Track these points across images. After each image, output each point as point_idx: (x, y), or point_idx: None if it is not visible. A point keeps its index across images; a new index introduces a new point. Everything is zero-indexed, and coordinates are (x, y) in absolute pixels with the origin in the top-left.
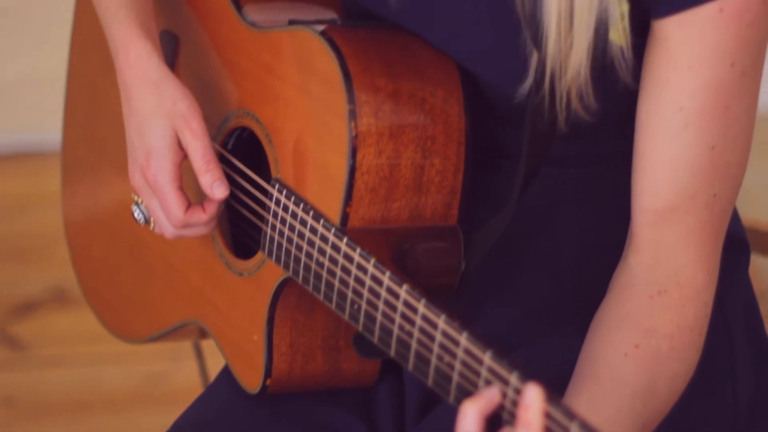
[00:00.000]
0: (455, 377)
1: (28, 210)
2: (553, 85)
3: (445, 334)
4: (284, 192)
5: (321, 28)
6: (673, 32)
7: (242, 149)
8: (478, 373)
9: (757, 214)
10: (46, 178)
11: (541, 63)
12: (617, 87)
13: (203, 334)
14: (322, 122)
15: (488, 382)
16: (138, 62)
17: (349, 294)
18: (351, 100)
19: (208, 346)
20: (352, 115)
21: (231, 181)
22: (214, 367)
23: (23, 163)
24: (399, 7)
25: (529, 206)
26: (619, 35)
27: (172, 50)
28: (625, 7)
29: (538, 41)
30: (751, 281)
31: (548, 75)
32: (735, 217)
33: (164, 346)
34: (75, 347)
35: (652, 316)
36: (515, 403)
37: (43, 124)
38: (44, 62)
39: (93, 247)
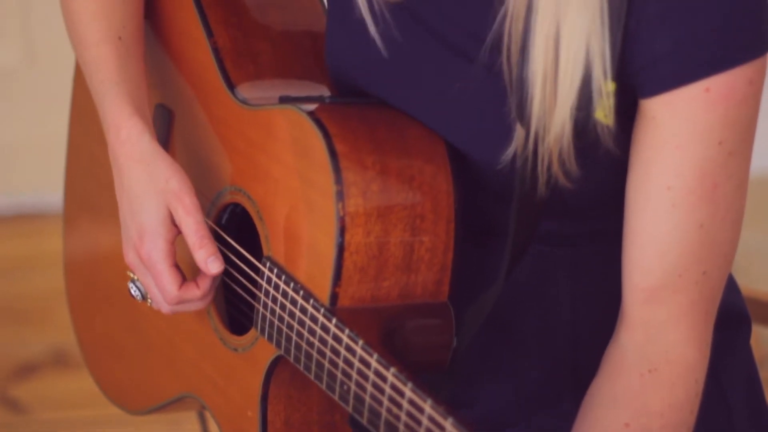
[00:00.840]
0: None
1: (27, 271)
2: (536, 147)
3: (431, 419)
4: (275, 270)
5: (309, 107)
6: (660, 112)
7: (235, 225)
8: None
9: (758, 283)
10: (45, 239)
11: (526, 126)
12: (599, 153)
13: (203, 406)
14: (310, 201)
15: None
16: (129, 140)
17: (339, 375)
18: (338, 180)
19: None
20: (340, 196)
21: (224, 258)
22: None
23: (22, 225)
24: (388, 86)
25: (520, 282)
26: (606, 114)
27: (167, 124)
28: (611, 87)
29: (523, 103)
30: (753, 351)
31: (532, 136)
32: (734, 289)
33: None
34: (75, 410)
35: (643, 394)
36: None
37: (42, 185)
38: (45, 125)
39: (94, 318)
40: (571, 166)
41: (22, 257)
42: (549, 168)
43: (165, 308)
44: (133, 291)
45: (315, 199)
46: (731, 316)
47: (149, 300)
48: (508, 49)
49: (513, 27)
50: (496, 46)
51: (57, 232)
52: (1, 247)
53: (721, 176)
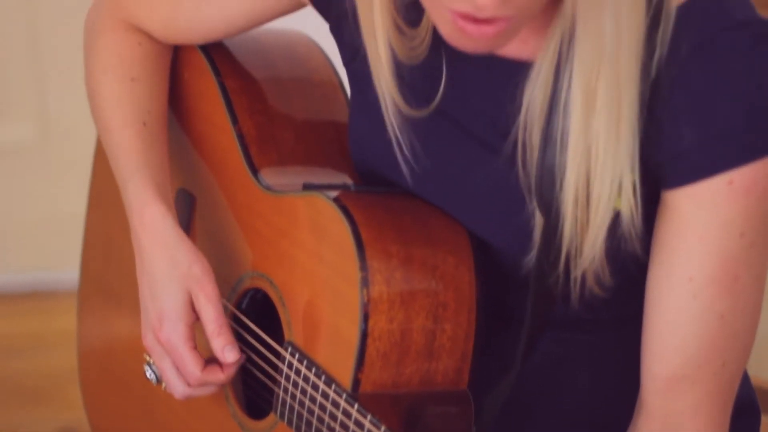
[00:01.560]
0: None
1: (39, 350)
2: (568, 267)
3: None
4: (296, 355)
5: (334, 194)
6: (683, 203)
7: (256, 309)
8: None
9: (766, 372)
10: (57, 318)
11: (555, 240)
12: (629, 261)
13: None
14: (334, 287)
15: None
16: (152, 224)
17: None
18: (363, 267)
19: None
20: (365, 282)
21: (244, 342)
22: None
23: (35, 302)
24: (412, 175)
25: (538, 366)
26: (630, 206)
27: (189, 209)
28: (636, 177)
29: (553, 225)
30: None
31: (563, 257)
32: (744, 379)
33: None
34: None
35: None
36: None
37: (56, 263)
38: (59, 202)
39: (108, 400)
40: (605, 279)
41: (34, 335)
42: (583, 285)
43: (179, 392)
44: (149, 374)
45: (338, 285)
46: (740, 406)
47: (163, 384)
48: (529, 143)
49: (536, 120)
50: (519, 138)
51: (69, 310)
52: (14, 324)
53: (742, 268)
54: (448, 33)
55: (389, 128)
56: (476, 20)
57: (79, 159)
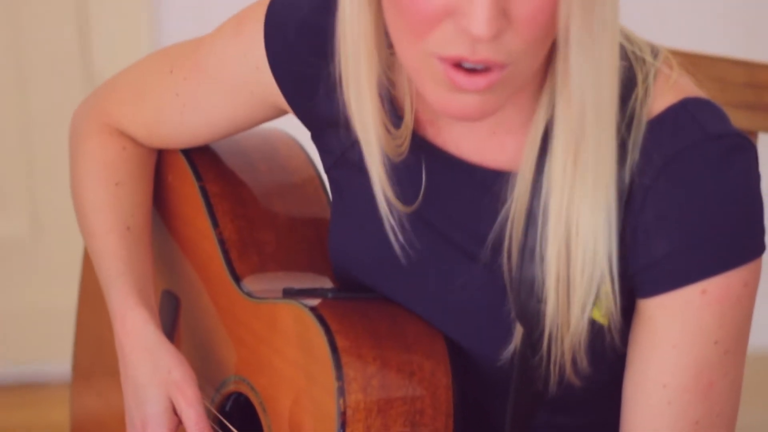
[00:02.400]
0: None
1: None
2: (549, 350)
3: None
4: None
5: (312, 302)
6: (657, 312)
7: (240, 413)
8: None
9: None
10: (49, 410)
11: (535, 348)
12: (605, 350)
13: None
14: (312, 396)
15: None
16: (134, 330)
17: None
18: (339, 376)
19: None
20: (341, 392)
21: None
22: None
23: (26, 394)
24: (388, 275)
25: None
26: (602, 314)
27: (173, 311)
28: (614, 287)
29: (525, 303)
30: None
31: (546, 337)
32: None
33: None
34: None
35: None
36: None
37: (47, 355)
38: (50, 295)
39: None
40: (582, 364)
41: (25, 427)
42: (561, 367)
43: None
44: None
45: (317, 393)
46: None
47: None
48: (509, 251)
49: (513, 230)
50: (497, 247)
51: (61, 402)
52: (5, 416)
53: (717, 374)
54: (436, 96)
55: (384, 220)
56: (468, 71)
57: (71, 253)
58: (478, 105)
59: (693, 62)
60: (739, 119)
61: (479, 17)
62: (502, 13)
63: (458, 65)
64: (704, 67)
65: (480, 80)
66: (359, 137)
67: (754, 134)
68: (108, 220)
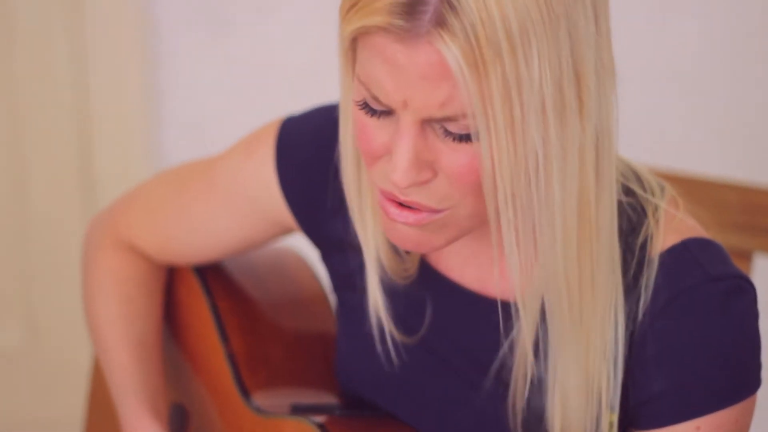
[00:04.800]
0: None
1: None
2: None
3: None
4: None
5: (319, 419)
6: None
7: None
8: None
9: None
10: None
11: None
12: None
13: None
14: None
15: None
16: None
17: None
18: None
19: None
20: None
21: None
22: None
23: None
24: (393, 396)
25: None
26: None
27: (182, 423)
28: (614, 418)
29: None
30: None
31: None
32: None
33: None
34: None
35: None
36: None
37: None
38: (48, 405)
39: None
40: None
41: None
42: None
43: None
44: None
45: None
46: None
47: None
48: (515, 381)
49: (519, 361)
50: (500, 376)
51: None
52: None
53: None
54: (384, 223)
55: (378, 345)
56: (400, 205)
57: (68, 363)
58: (415, 238)
59: (690, 187)
60: (734, 240)
61: (398, 166)
62: (425, 165)
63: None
64: (701, 191)
65: (409, 216)
66: (365, 259)
67: (750, 254)
68: (120, 334)
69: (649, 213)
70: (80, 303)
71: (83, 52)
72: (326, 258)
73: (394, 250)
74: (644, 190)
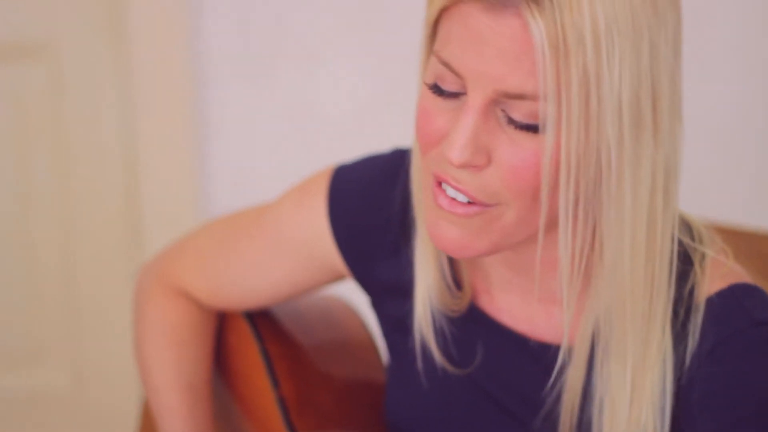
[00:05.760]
0: None
1: None
2: None
3: None
4: None
5: None
6: None
7: None
8: None
9: None
10: None
11: None
12: None
13: None
14: None
15: None
16: None
17: None
18: None
19: None
20: None
21: None
22: None
23: None
24: None
25: None
26: None
27: None
28: None
29: None
30: None
31: None
32: None
33: None
34: None
35: None
36: None
37: None
38: None
39: None
40: None
41: None
42: None
43: None
44: None
45: None
46: None
47: None
48: (564, 423)
49: (569, 403)
50: (550, 417)
51: None
52: None
53: None
54: (429, 220)
55: (426, 381)
56: (451, 198)
57: (113, 406)
58: (458, 239)
59: (735, 238)
60: None
61: (455, 143)
62: (482, 150)
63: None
64: (746, 242)
65: (458, 207)
66: (417, 295)
67: None
68: (171, 378)
69: (696, 261)
70: (125, 347)
71: (131, 102)
72: (377, 303)
73: (447, 284)
74: (692, 238)
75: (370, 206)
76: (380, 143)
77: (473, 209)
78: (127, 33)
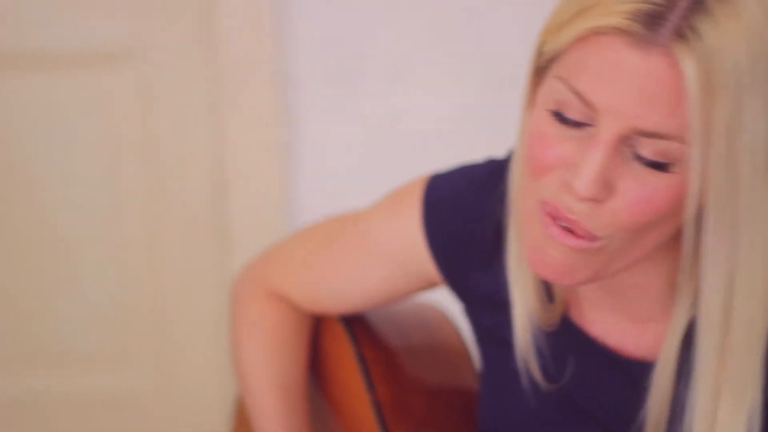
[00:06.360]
0: None
1: None
2: None
3: None
4: None
5: None
6: None
7: None
8: None
9: None
10: None
11: None
12: None
13: None
14: None
15: None
16: None
17: None
18: None
19: None
20: None
21: None
22: None
23: None
24: None
25: None
26: None
27: None
28: None
29: None
30: None
31: None
32: None
33: None
34: None
35: None
36: None
37: None
38: None
39: None
40: None
41: None
42: None
43: None
44: None
45: None
46: None
47: None
48: None
49: (656, 419)
50: (638, 430)
51: None
52: None
53: None
54: (530, 244)
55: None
56: (563, 227)
57: (196, 410)
58: (561, 266)
59: None
60: None
61: (585, 176)
62: (606, 184)
63: (554, 218)
64: None
65: (569, 238)
66: (514, 304)
67: None
68: (267, 380)
69: None
70: (210, 352)
71: (219, 107)
72: (470, 311)
73: (541, 297)
74: None
75: (464, 216)
76: (467, 153)
77: (583, 242)
78: (216, 39)
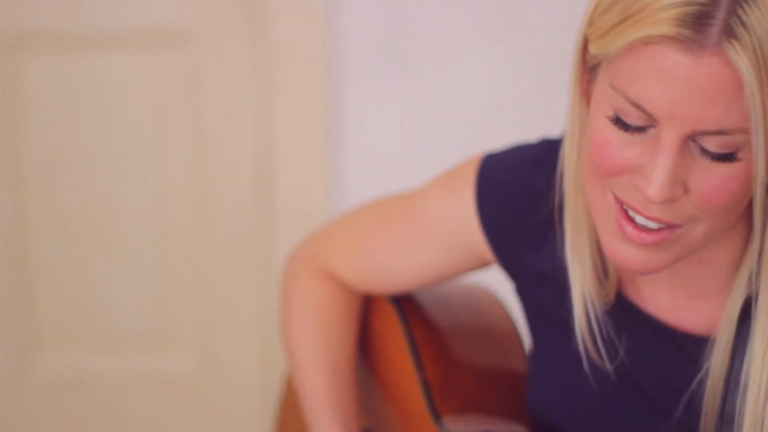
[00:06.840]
0: None
1: None
2: None
3: None
4: None
5: None
6: None
7: None
8: None
9: None
10: None
11: None
12: None
13: None
14: None
15: None
16: None
17: None
18: None
19: None
20: None
21: None
22: None
23: None
24: (585, 427)
25: None
26: None
27: None
28: None
29: None
30: None
31: None
32: None
33: None
34: None
35: None
36: None
37: None
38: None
39: None
40: None
41: None
42: None
43: None
44: None
45: None
46: None
47: None
48: (706, 415)
49: (711, 395)
50: (691, 407)
51: None
52: None
53: None
54: (608, 241)
55: (587, 372)
56: (638, 226)
57: (239, 391)
58: (643, 260)
59: None
60: None
61: (655, 182)
62: (679, 183)
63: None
64: None
65: (648, 237)
66: (572, 286)
67: None
68: (316, 358)
69: None
70: (253, 334)
71: (267, 90)
72: (522, 290)
73: (597, 275)
74: None
75: (518, 195)
76: (512, 137)
77: (663, 234)
78: (266, 21)
